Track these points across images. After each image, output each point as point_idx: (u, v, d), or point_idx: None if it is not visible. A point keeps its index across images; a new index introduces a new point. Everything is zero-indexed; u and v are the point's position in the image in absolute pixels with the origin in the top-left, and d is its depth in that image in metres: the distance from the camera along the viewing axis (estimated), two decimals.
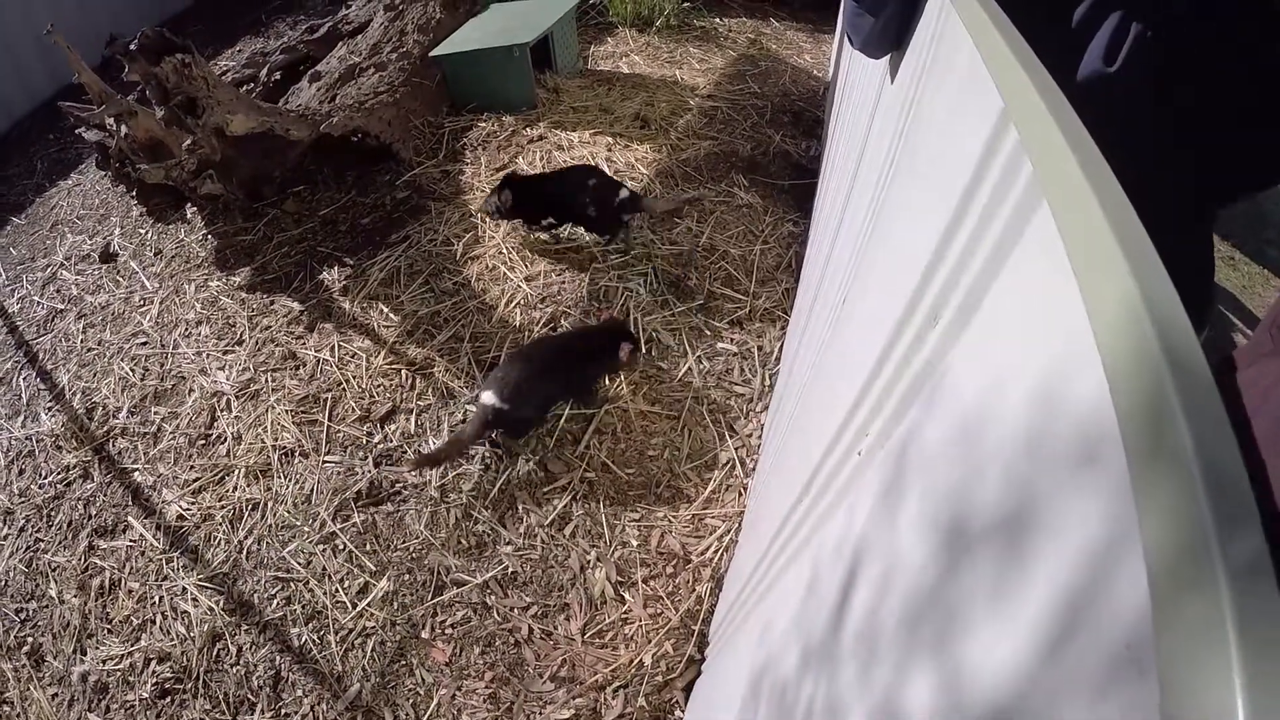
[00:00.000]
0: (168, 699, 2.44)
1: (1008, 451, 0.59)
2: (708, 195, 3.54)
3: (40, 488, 3.15)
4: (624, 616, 2.29)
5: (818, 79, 4.66)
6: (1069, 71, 1.19)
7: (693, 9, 5.34)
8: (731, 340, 2.94)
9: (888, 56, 1.64)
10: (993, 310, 0.72)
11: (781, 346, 2.88)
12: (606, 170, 3.48)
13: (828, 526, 1.23)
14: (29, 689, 2.64)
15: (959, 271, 0.83)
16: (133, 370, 3.39)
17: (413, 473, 2.66)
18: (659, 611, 2.28)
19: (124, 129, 4.01)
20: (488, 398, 2.47)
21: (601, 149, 3.91)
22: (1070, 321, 0.51)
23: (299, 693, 2.34)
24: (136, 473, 3.01)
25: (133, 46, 3.53)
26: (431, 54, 4.46)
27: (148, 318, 3.62)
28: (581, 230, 3.33)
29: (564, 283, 3.20)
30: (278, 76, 4.99)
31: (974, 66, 0.86)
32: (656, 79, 4.63)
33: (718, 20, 5.43)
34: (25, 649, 2.73)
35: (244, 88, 4.80)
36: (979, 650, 0.57)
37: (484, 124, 4.27)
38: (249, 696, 2.37)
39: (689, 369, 2.84)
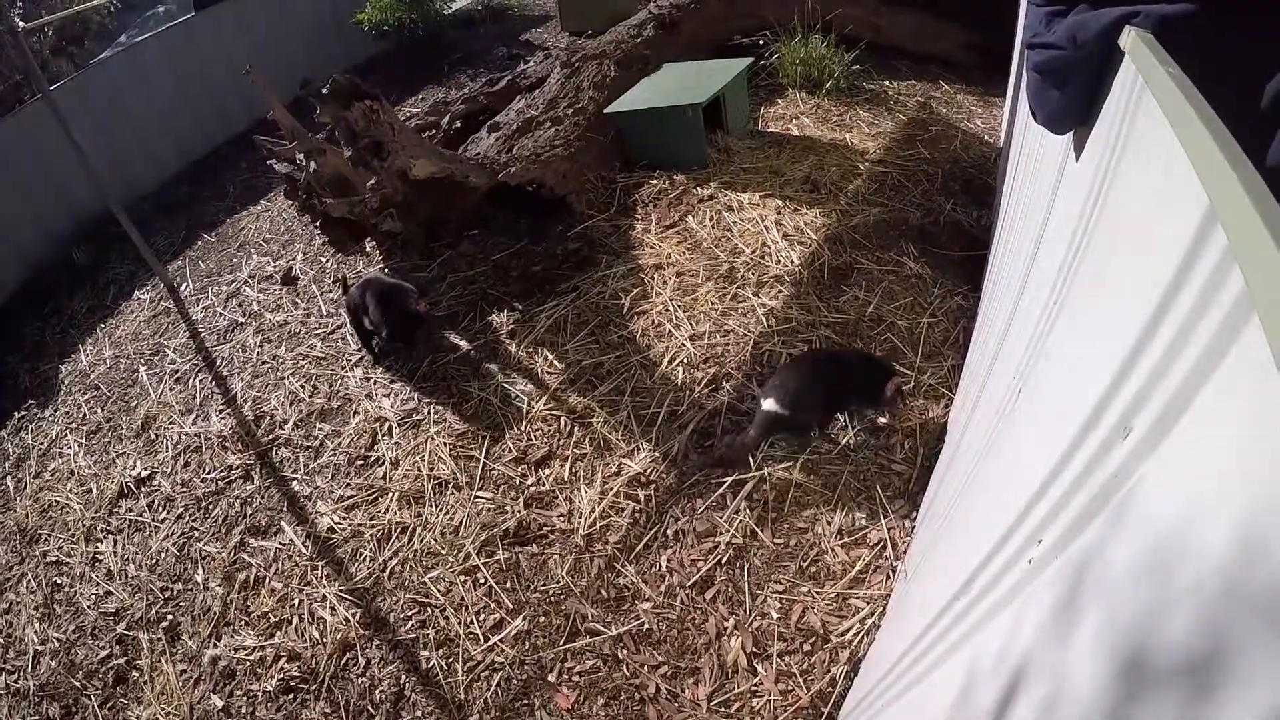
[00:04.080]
0: (290, 696, 2.97)
1: (1206, 590, 0.63)
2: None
3: (202, 481, 3.94)
4: (754, 689, 2.56)
5: (989, 145, 5.03)
6: (1259, 154, 1.23)
7: (862, 72, 5.90)
8: (893, 415, 3.24)
9: (1071, 132, 1.82)
10: (1195, 429, 0.75)
11: (945, 426, 3.14)
12: None
13: (987, 631, 1.35)
14: (160, 661, 3.29)
15: (1155, 381, 0.87)
16: (302, 387, 4.19)
17: (704, 472, 3.13)
18: (790, 689, 2.54)
19: (313, 165, 4.99)
20: (769, 405, 2.99)
21: (771, 211, 4.44)
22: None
23: (418, 713, 2.78)
24: (295, 482, 3.70)
25: (325, 90, 4.38)
26: (606, 111, 5.25)
27: (322, 340, 4.42)
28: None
29: (728, 345, 3.66)
30: (458, 125, 5.99)
31: (1173, 157, 0.92)
32: (826, 142, 5.17)
33: (887, 83, 5.98)
34: (164, 624, 3.41)
35: (426, 134, 5.77)
36: None
37: (656, 181, 4.96)
38: (369, 709, 2.84)
39: (848, 442, 3.17)
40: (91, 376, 5.24)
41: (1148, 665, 0.70)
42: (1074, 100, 1.67)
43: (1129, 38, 1.32)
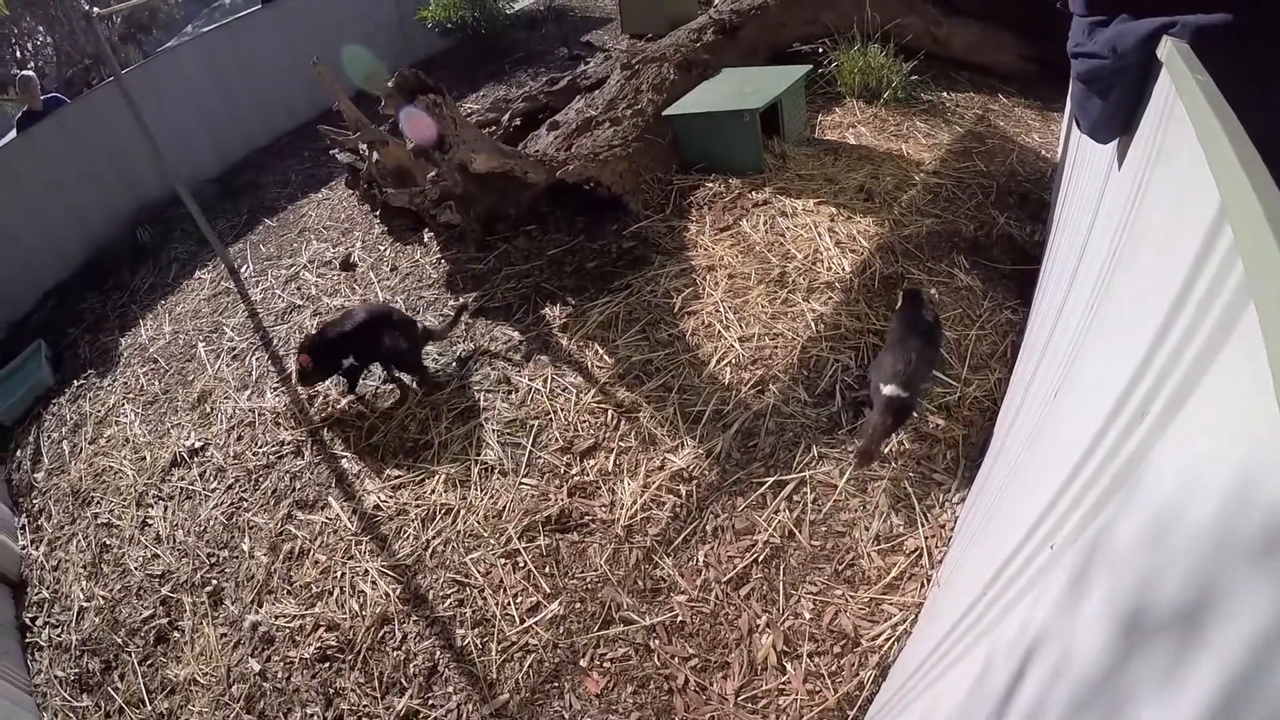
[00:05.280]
0: (326, 664, 3.09)
1: (1199, 546, 0.71)
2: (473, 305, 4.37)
3: (254, 455, 4.11)
4: (781, 688, 2.61)
5: (1046, 160, 5.00)
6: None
7: (920, 82, 5.92)
8: (937, 426, 3.27)
9: (1115, 141, 1.85)
10: (1198, 408, 0.82)
11: (989, 439, 3.15)
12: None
13: (1008, 619, 1.40)
14: (202, 624, 3.45)
15: (1170, 366, 0.94)
16: None
17: (857, 471, 3.13)
18: (817, 690, 2.58)
19: (375, 155, 5.20)
20: (891, 389, 2.95)
21: (824, 218, 4.49)
22: (1265, 423, 0.59)
23: (449, 689, 2.88)
24: (344, 460, 3.86)
25: (390, 84, 4.55)
26: (664, 113, 5.35)
27: None
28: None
29: (776, 348, 3.72)
30: (518, 122, 6.14)
31: (1194, 160, 0.98)
32: (882, 152, 5.19)
33: (945, 94, 5.96)
34: (208, 589, 3.57)
35: (486, 130, 5.94)
36: None
37: (711, 184, 5.05)
38: (402, 681, 2.95)
39: (890, 449, 3.20)
40: (150, 350, 5.47)
41: (1143, 623, 0.75)
42: (1116, 109, 1.72)
43: (1166, 47, 1.37)
